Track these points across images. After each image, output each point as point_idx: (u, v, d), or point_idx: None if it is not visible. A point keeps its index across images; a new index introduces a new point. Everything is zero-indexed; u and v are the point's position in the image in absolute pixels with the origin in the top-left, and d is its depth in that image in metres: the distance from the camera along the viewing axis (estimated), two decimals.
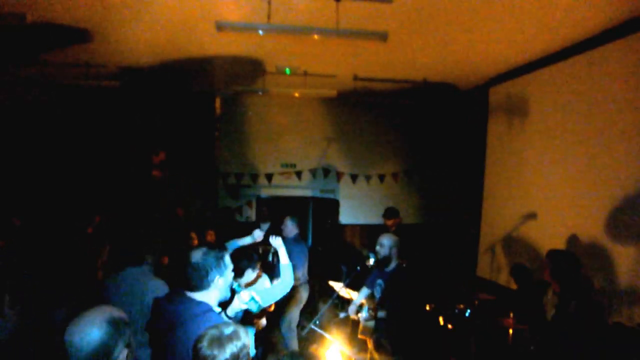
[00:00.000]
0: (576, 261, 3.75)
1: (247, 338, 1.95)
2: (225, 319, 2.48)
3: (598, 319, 3.69)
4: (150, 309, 2.51)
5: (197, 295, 2.34)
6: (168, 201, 7.44)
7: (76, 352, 1.61)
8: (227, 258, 2.47)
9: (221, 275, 2.38)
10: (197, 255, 2.35)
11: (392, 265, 4.20)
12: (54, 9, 4.27)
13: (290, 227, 5.33)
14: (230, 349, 1.86)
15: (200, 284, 2.33)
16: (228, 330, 1.92)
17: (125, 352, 1.71)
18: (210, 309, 2.31)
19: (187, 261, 2.34)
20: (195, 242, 5.48)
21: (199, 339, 1.90)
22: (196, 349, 1.88)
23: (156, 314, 2.41)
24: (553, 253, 3.84)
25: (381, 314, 4.08)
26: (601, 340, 3.51)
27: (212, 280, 2.34)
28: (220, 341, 1.87)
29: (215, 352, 1.84)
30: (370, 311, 4.17)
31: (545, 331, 3.74)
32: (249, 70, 6.44)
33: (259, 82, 6.88)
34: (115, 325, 1.67)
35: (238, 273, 3.17)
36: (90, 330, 1.64)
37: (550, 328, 3.68)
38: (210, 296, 2.36)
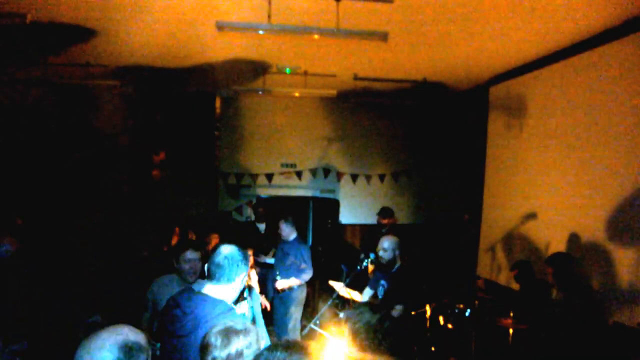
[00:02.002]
0: (574, 262, 4.21)
1: (257, 338, 1.91)
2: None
3: (599, 316, 4.11)
4: (164, 309, 2.49)
5: (218, 289, 2.36)
6: (168, 201, 7.44)
7: None
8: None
9: (244, 271, 2.44)
10: (229, 248, 2.41)
11: (396, 266, 4.21)
12: (55, 9, 4.28)
13: (287, 230, 5.29)
14: (236, 344, 1.83)
15: (230, 276, 2.36)
16: (240, 326, 1.90)
17: None
18: (232, 308, 2.35)
19: (220, 252, 2.39)
20: (176, 237, 5.52)
21: (212, 328, 1.89)
22: (205, 337, 1.87)
23: (175, 314, 2.36)
24: (554, 257, 4.27)
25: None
26: (602, 334, 3.89)
27: (238, 275, 2.39)
28: (228, 333, 1.85)
29: (219, 342, 1.82)
30: None
31: (550, 326, 3.98)
32: (249, 69, 6.44)
33: (259, 82, 6.88)
34: (127, 351, 1.61)
35: None
36: (100, 353, 1.58)
37: (555, 323, 3.98)
38: (230, 292, 2.39)
